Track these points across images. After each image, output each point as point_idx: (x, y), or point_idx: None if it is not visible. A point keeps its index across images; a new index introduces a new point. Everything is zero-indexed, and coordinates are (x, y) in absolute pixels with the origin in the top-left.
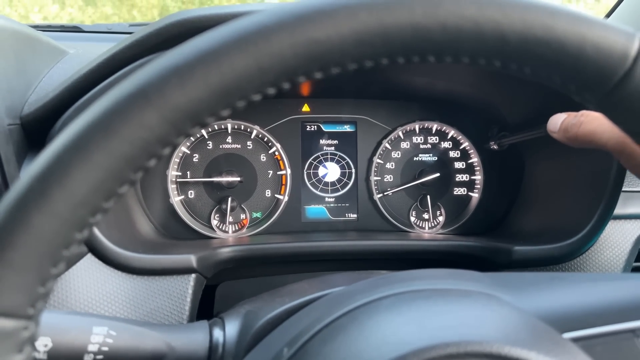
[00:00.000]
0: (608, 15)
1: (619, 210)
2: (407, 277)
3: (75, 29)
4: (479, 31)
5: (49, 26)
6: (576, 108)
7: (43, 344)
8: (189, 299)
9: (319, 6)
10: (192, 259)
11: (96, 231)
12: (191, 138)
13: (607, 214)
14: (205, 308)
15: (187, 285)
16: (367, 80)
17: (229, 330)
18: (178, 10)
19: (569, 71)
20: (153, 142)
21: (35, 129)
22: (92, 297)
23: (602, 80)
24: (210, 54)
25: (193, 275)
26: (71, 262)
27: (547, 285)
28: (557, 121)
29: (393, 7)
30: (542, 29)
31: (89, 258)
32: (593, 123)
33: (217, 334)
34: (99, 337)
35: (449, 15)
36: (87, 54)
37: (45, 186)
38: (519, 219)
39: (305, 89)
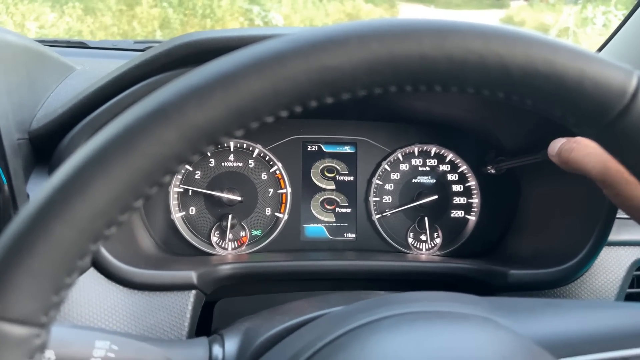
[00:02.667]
0: (600, 49)
1: (613, 236)
2: (407, 299)
3: (81, 45)
4: (484, 64)
5: (55, 41)
6: (572, 135)
7: (47, 357)
8: (188, 315)
9: (333, 35)
10: (192, 276)
11: (107, 239)
12: None
13: (601, 240)
14: (204, 324)
15: (187, 302)
16: (368, 103)
17: (228, 347)
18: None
19: (569, 105)
20: (170, 158)
21: (43, 144)
22: (94, 311)
23: (600, 114)
24: (230, 77)
25: (193, 291)
26: (84, 268)
27: (543, 310)
28: (556, 145)
29: (402, 38)
30: (543, 63)
31: (91, 272)
32: (583, 150)
33: (217, 350)
34: (101, 351)
35: (455, 47)
36: (94, 70)
37: (67, 196)
38: (515, 243)
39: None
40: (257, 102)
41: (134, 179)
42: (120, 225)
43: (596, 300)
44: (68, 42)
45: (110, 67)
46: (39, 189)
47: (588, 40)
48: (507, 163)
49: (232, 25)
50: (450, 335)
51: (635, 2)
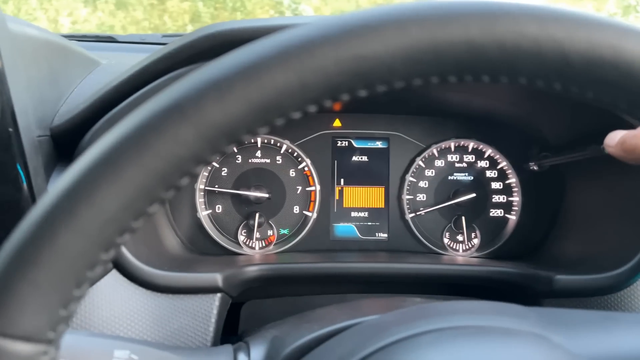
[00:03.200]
0: None
1: None
2: (447, 310)
3: (110, 39)
4: (540, 51)
5: (84, 36)
6: (627, 129)
7: None
8: (213, 319)
9: (367, 20)
10: (218, 278)
11: (122, 247)
12: None
13: None
14: (230, 326)
15: (212, 305)
16: (402, 96)
17: (254, 356)
18: (210, 15)
19: (638, 96)
20: (187, 159)
21: (65, 141)
22: (115, 315)
23: None
24: (251, 69)
25: (218, 294)
26: (96, 279)
27: (601, 325)
28: (616, 136)
29: (447, 22)
30: (609, 50)
31: (113, 274)
32: None
33: (242, 359)
34: None
35: (507, 32)
36: (120, 64)
37: (73, 203)
38: (559, 245)
39: (337, 104)
40: (282, 96)
41: (148, 182)
42: (134, 232)
43: None
44: (97, 36)
45: (136, 61)
46: (46, 194)
47: None
48: (552, 159)
49: (262, 17)
50: (497, 355)
51: None
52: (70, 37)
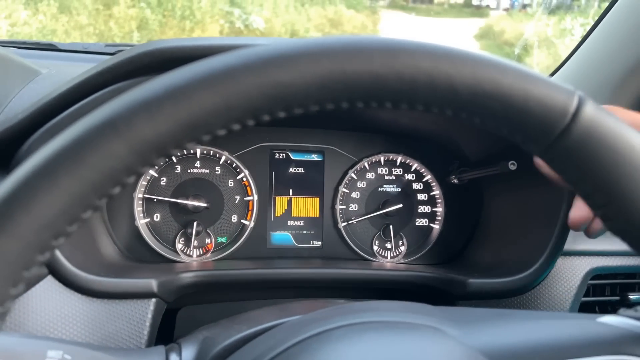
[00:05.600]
0: (554, 72)
1: (569, 246)
2: (361, 308)
3: (51, 47)
4: (432, 82)
5: (25, 43)
6: None
7: None
8: (148, 324)
9: (285, 51)
10: (152, 284)
11: (57, 253)
12: None
13: (556, 250)
14: (166, 332)
15: (147, 310)
16: (335, 113)
17: (185, 356)
18: (158, 23)
19: (515, 123)
20: (119, 170)
21: (2, 150)
22: (50, 320)
23: (544, 133)
24: (180, 90)
25: (153, 299)
26: (31, 283)
27: (494, 321)
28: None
29: (353, 56)
30: (490, 83)
31: (49, 280)
32: None
33: (174, 359)
34: None
35: (404, 66)
36: (60, 74)
37: (11, 208)
38: (476, 252)
39: None
40: (209, 115)
41: (82, 191)
42: (69, 236)
43: (546, 312)
44: (37, 43)
45: (77, 70)
46: None
47: (566, 52)
48: (470, 174)
49: (212, 27)
50: (397, 346)
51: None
52: (10, 43)
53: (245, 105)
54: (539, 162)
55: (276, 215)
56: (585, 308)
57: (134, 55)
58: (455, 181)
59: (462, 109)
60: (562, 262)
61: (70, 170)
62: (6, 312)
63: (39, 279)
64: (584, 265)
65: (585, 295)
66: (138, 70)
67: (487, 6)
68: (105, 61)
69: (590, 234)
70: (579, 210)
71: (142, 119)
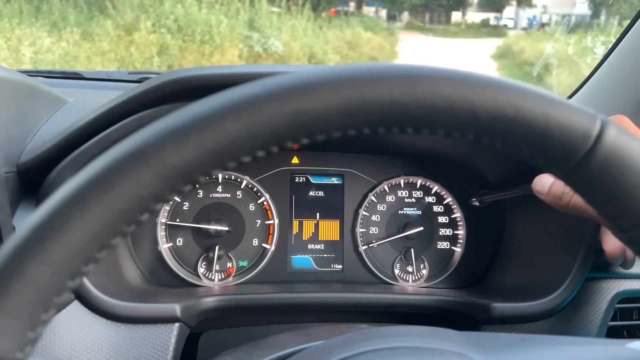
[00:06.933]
0: (572, 94)
1: (594, 269)
2: (385, 334)
3: (76, 76)
4: (453, 108)
5: (51, 72)
6: None
7: None
8: (171, 348)
9: (307, 80)
10: (176, 308)
11: (84, 278)
12: None
13: (581, 274)
14: (189, 357)
15: (171, 335)
16: (355, 137)
17: None
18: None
19: (536, 147)
20: (147, 198)
21: (31, 177)
22: (76, 344)
23: (566, 157)
24: (205, 120)
25: (177, 324)
26: (60, 309)
27: (520, 347)
28: (545, 183)
29: (374, 84)
30: (511, 108)
31: (74, 305)
32: None
33: None
34: None
35: (425, 93)
36: (86, 102)
37: (43, 236)
38: (499, 275)
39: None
40: (233, 143)
41: (112, 218)
42: (99, 262)
43: (574, 337)
44: (63, 72)
45: (102, 98)
46: (18, 228)
47: (589, 71)
48: (490, 196)
49: (231, 51)
50: None
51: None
52: (37, 73)
53: (269, 133)
54: (541, 191)
55: (297, 238)
56: (613, 333)
57: (158, 84)
58: (477, 203)
59: (484, 133)
60: (587, 286)
61: (100, 199)
62: (38, 337)
63: (66, 304)
64: (611, 288)
65: (612, 320)
66: (162, 98)
67: (505, 26)
68: (130, 90)
69: (627, 264)
70: (613, 240)
71: (170, 148)
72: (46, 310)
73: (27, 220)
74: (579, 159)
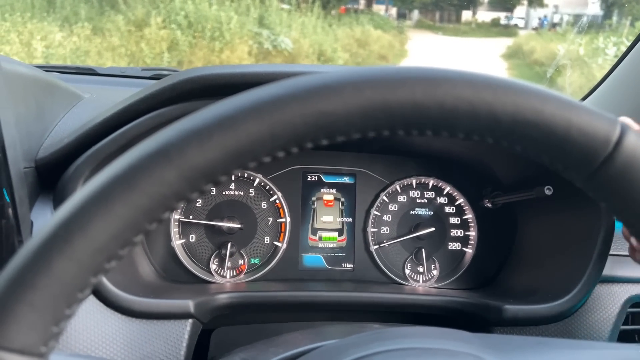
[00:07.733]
0: (586, 96)
1: (607, 272)
2: (399, 334)
3: (90, 72)
4: (474, 111)
5: (65, 67)
6: None
7: None
8: (184, 344)
9: (329, 82)
10: (190, 305)
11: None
12: None
13: (595, 277)
14: (201, 353)
15: (184, 330)
16: (373, 138)
17: None
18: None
19: (556, 152)
20: (170, 196)
21: (49, 173)
22: (91, 339)
23: (586, 162)
24: (228, 120)
25: (190, 320)
26: (84, 299)
27: (534, 350)
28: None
29: (395, 86)
30: (531, 112)
31: (90, 300)
32: None
33: None
34: None
35: (446, 95)
36: (102, 98)
37: (69, 233)
38: (511, 277)
39: None
40: (255, 144)
41: (135, 216)
42: (121, 259)
43: (587, 341)
44: (77, 68)
45: (117, 94)
46: (43, 223)
47: (600, 72)
48: (503, 198)
49: (240, 48)
50: None
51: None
52: (52, 68)
53: (290, 134)
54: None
55: (308, 237)
56: (625, 337)
57: (175, 82)
58: (489, 205)
59: (503, 137)
60: (600, 289)
61: (125, 197)
62: (61, 332)
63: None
64: (623, 292)
65: (624, 324)
66: (179, 96)
67: (516, 25)
68: (148, 87)
69: None
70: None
71: (193, 148)
72: (69, 305)
73: (52, 216)
74: (598, 164)
